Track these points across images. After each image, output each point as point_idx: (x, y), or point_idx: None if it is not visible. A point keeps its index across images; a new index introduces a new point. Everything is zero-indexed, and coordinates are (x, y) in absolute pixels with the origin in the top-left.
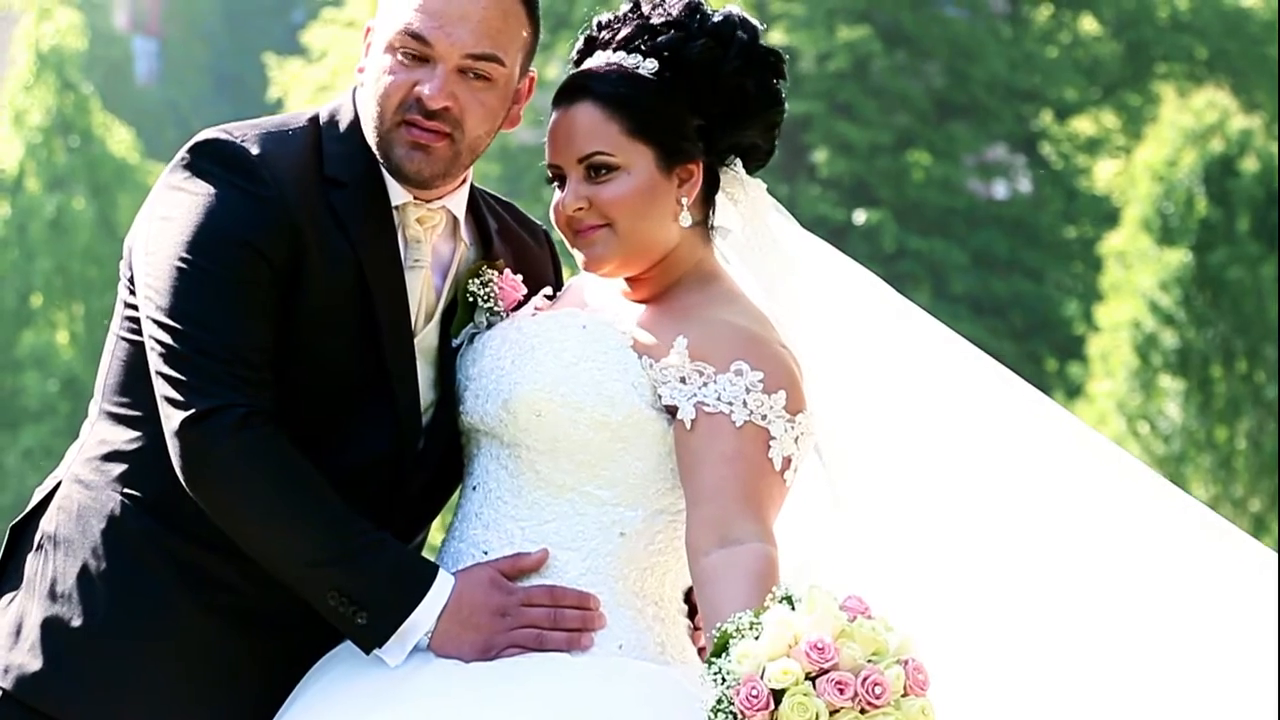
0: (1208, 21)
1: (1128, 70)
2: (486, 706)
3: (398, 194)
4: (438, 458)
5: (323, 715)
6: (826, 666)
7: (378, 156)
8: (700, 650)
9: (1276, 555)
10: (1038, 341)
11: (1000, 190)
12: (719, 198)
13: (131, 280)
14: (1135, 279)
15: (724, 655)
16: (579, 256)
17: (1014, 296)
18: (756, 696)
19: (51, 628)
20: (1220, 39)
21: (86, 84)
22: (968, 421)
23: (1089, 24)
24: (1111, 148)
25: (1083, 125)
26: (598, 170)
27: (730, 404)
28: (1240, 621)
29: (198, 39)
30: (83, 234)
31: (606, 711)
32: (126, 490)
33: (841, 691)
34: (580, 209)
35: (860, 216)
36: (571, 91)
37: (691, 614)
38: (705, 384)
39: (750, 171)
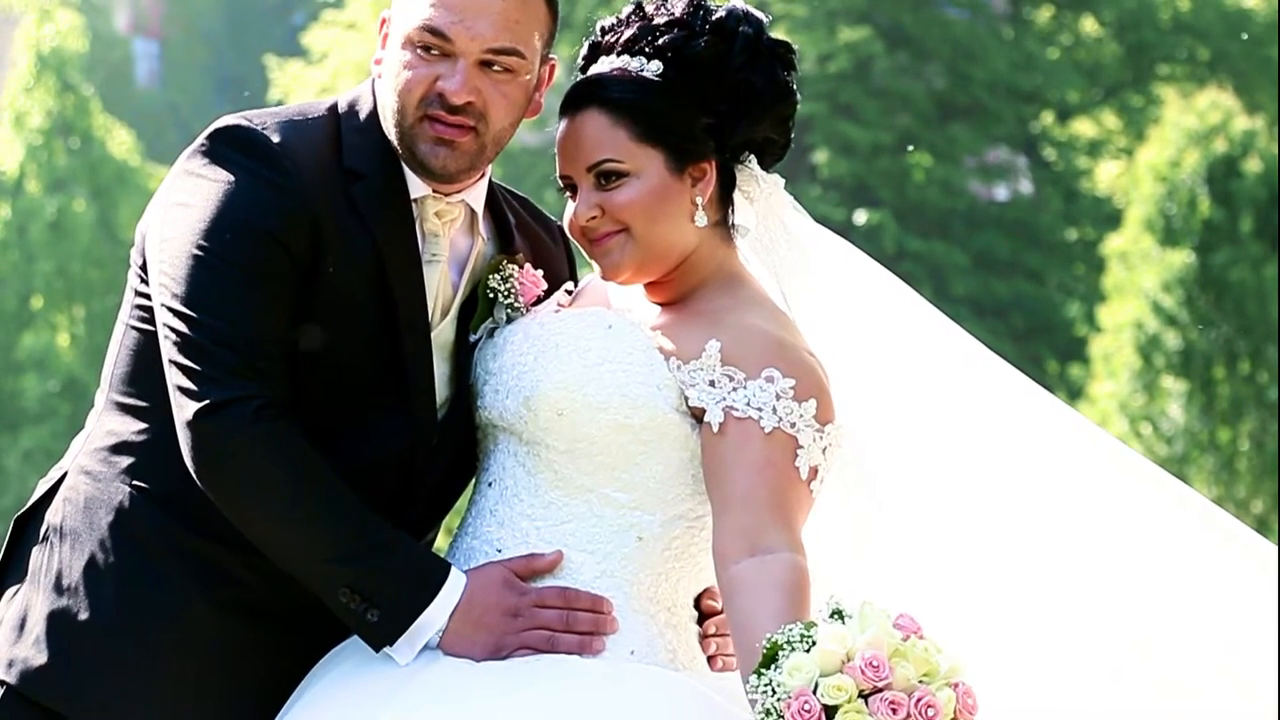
0: (1209, 23)
1: (1129, 72)
2: (496, 707)
3: (417, 187)
4: (452, 454)
5: (328, 711)
6: (880, 685)
7: (399, 150)
8: (710, 659)
9: (1277, 550)
10: (1039, 343)
11: (1001, 192)
12: (736, 196)
13: (143, 268)
14: (1138, 280)
15: (774, 667)
16: (596, 266)
17: (1015, 298)
18: (809, 711)
19: (57, 621)
20: (1222, 40)
21: (87, 86)
22: (980, 419)
23: (1090, 25)
24: (1113, 149)
25: (1084, 127)
26: (608, 177)
27: (760, 410)
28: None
29: (198, 41)
30: (83, 236)
31: (618, 715)
32: (135, 482)
33: (895, 711)
34: (594, 217)
35: (861, 217)
36: (577, 99)
37: (699, 620)
38: (735, 389)
39: (766, 167)
